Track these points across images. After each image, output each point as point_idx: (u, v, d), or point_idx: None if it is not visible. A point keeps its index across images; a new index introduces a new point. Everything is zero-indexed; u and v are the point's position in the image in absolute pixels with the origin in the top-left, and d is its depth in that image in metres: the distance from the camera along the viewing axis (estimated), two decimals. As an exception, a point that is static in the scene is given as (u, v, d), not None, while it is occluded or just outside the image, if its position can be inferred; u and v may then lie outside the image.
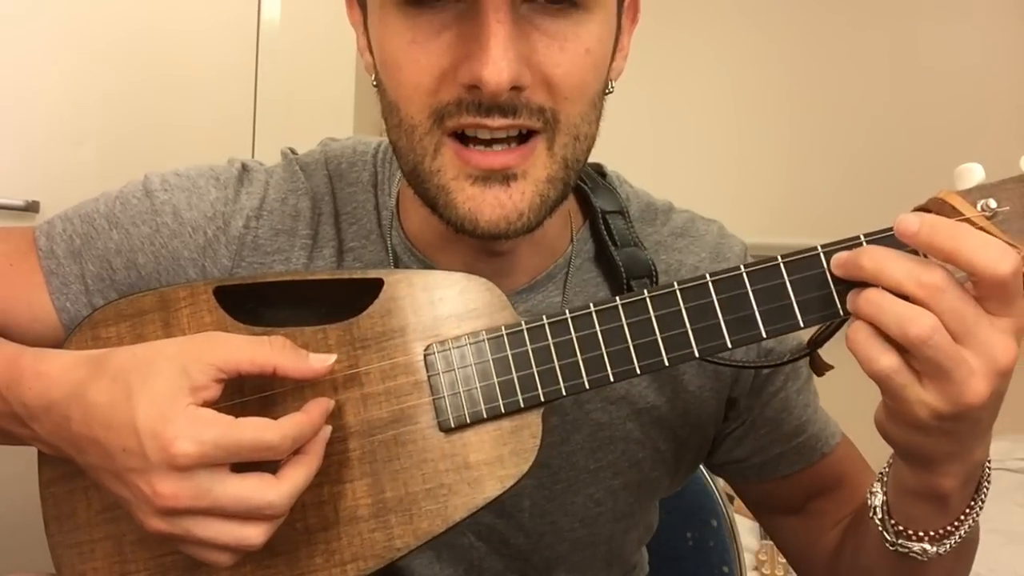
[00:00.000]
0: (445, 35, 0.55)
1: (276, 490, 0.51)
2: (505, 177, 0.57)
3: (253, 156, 1.53)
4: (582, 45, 0.56)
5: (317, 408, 0.55)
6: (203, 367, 0.53)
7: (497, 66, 0.52)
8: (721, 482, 1.11)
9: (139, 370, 0.53)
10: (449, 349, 0.57)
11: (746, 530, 1.76)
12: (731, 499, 1.85)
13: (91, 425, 0.53)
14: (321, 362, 0.56)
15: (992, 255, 0.47)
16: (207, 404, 0.52)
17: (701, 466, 1.07)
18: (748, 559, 1.42)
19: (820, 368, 0.62)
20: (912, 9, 2.48)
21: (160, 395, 0.51)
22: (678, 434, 0.74)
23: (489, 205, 0.57)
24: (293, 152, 0.75)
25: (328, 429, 0.56)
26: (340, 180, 0.72)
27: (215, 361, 0.53)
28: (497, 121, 0.55)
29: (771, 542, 1.73)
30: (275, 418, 0.53)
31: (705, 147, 2.41)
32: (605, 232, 0.71)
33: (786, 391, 0.75)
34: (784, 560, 1.67)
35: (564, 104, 0.57)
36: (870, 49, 2.45)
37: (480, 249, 0.66)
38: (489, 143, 0.57)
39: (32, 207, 1.36)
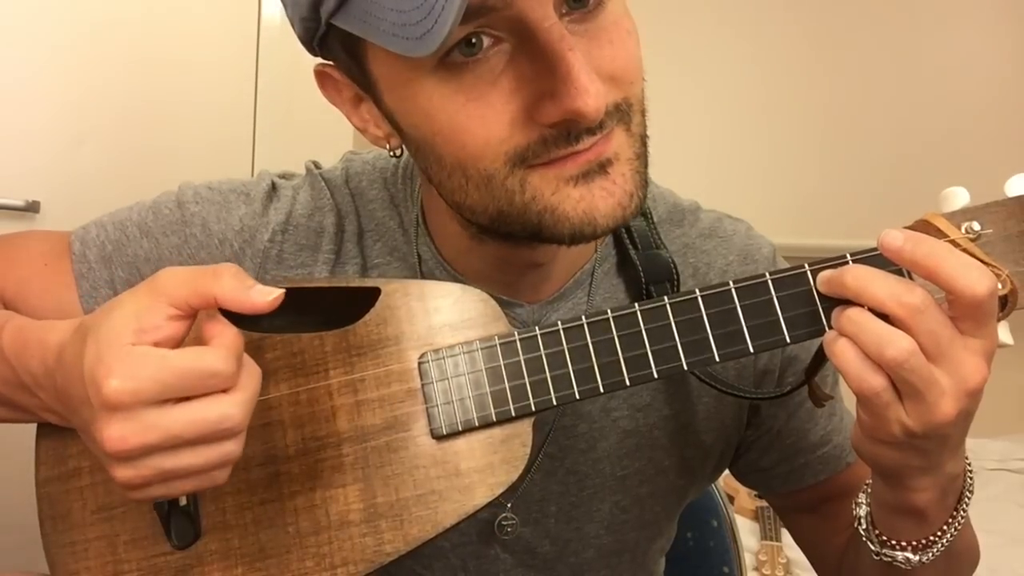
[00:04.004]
0: (502, 82, 0.52)
1: (228, 400, 0.49)
2: (601, 165, 0.54)
3: (253, 156, 1.54)
4: (621, 28, 0.55)
5: (220, 321, 0.52)
6: (153, 306, 0.51)
7: (591, 94, 0.50)
8: (721, 482, 1.11)
9: (96, 321, 0.51)
10: (443, 358, 0.58)
11: (746, 530, 1.76)
12: (731, 499, 1.85)
13: (67, 384, 0.52)
14: (262, 295, 0.52)
15: (971, 276, 0.48)
16: (165, 344, 0.50)
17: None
18: (748, 559, 1.42)
19: (819, 399, 0.62)
20: (933, 11, 2.48)
21: (103, 339, 0.50)
22: (703, 440, 0.74)
23: (600, 197, 0.54)
24: (317, 166, 0.74)
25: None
26: (361, 198, 0.72)
27: (164, 298, 0.51)
28: (587, 143, 0.53)
29: (771, 542, 1.73)
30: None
31: (719, 149, 2.42)
32: (626, 234, 0.70)
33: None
34: (784, 560, 1.67)
35: (630, 88, 0.55)
36: (889, 50, 2.46)
37: (519, 263, 0.65)
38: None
39: (32, 207, 1.36)
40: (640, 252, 0.70)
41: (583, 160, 0.54)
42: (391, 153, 0.61)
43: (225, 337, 0.51)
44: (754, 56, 2.42)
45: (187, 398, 0.49)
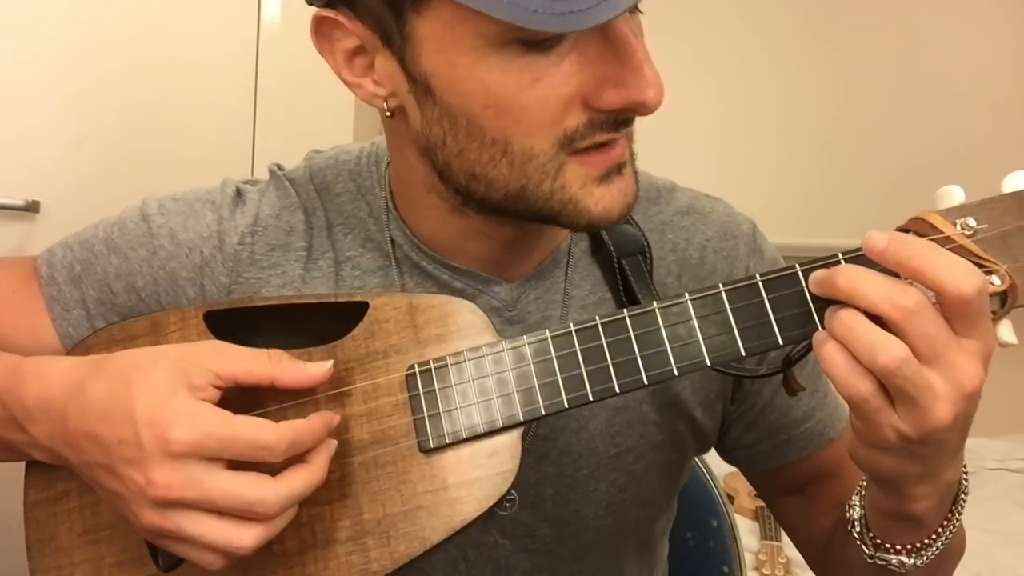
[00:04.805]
0: (564, 64, 0.53)
1: (270, 488, 0.51)
2: (618, 167, 0.59)
3: (253, 156, 1.54)
4: (642, 34, 0.57)
5: (319, 419, 0.55)
6: (201, 371, 0.53)
7: (656, 87, 0.53)
8: (721, 482, 1.11)
9: (139, 368, 0.54)
10: (430, 369, 0.57)
11: (746, 530, 1.76)
12: (731, 499, 1.85)
13: (88, 420, 0.53)
14: (318, 368, 0.56)
15: (957, 274, 0.47)
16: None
17: (701, 467, 1.07)
18: (748, 559, 1.42)
19: (793, 388, 0.62)
20: (938, 11, 2.48)
21: (159, 388, 0.52)
22: (692, 415, 0.74)
23: (616, 198, 0.58)
24: (280, 168, 0.75)
25: (334, 444, 0.56)
26: (327, 192, 0.72)
27: (213, 367, 0.54)
28: (623, 132, 0.57)
29: (771, 542, 1.73)
30: None
31: (724, 148, 2.42)
32: None
33: (800, 373, 0.75)
34: (784, 560, 1.67)
35: None
36: (894, 49, 2.46)
37: (501, 239, 0.66)
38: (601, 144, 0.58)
39: (32, 207, 1.36)
40: (608, 229, 0.71)
41: (611, 162, 0.57)
42: (387, 113, 0.61)
43: (307, 425, 0.54)
44: (758, 56, 2.42)
45: (233, 465, 0.52)
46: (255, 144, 1.54)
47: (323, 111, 1.51)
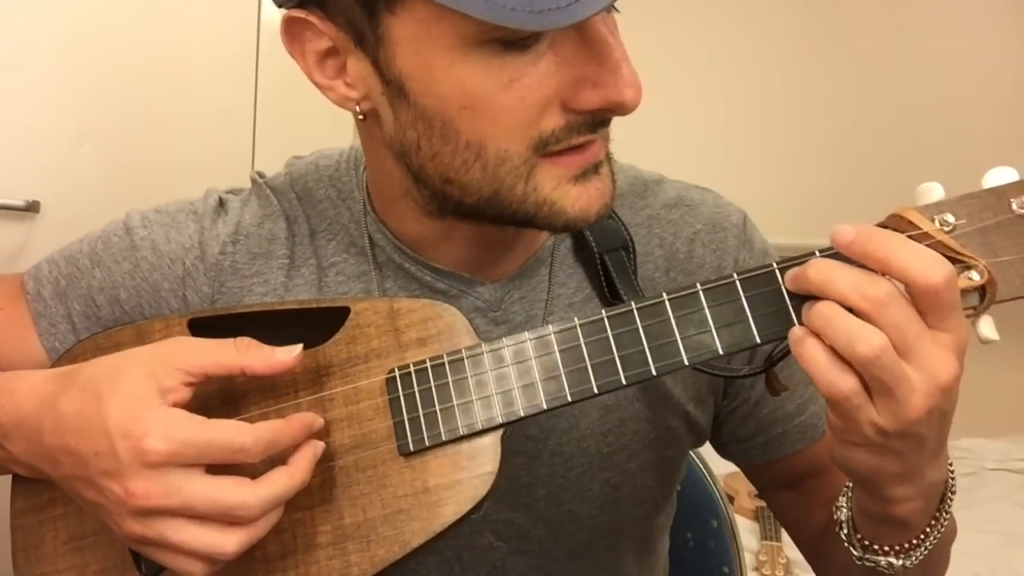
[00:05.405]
0: (541, 64, 0.53)
1: (250, 491, 0.51)
2: (595, 165, 0.58)
3: (253, 158, 1.54)
4: (617, 32, 0.56)
5: (297, 419, 0.55)
6: (170, 371, 0.53)
7: (635, 87, 0.52)
8: (721, 482, 1.11)
9: (107, 377, 0.54)
10: (411, 373, 0.57)
11: (746, 530, 1.76)
12: (731, 499, 1.85)
13: (62, 434, 0.53)
14: (287, 354, 0.56)
15: (924, 264, 0.47)
16: (177, 406, 0.53)
17: (701, 468, 1.08)
18: (748, 559, 1.42)
19: (776, 389, 0.61)
20: (941, 11, 2.48)
21: (130, 397, 0.52)
22: (685, 410, 0.74)
23: (593, 197, 0.58)
24: (261, 176, 0.75)
25: (320, 446, 0.56)
26: (308, 199, 0.72)
27: (182, 365, 0.54)
28: (600, 133, 0.57)
29: (771, 542, 1.73)
30: None
31: (724, 148, 2.42)
32: None
33: (789, 369, 0.74)
34: (784, 560, 1.67)
35: None
36: (895, 49, 2.47)
37: (480, 240, 0.66)
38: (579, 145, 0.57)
39: (32, 207, 1.36)
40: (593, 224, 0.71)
41: (587, 162, 0.57)
42: (359, 115, 0.60)
43: (285, 426, 0.54)
44: (759, 55, 2.43)
45: (214, 469, 0.52)
46: (255, 145, 1.54)
47: (323, 113, 1.51)
